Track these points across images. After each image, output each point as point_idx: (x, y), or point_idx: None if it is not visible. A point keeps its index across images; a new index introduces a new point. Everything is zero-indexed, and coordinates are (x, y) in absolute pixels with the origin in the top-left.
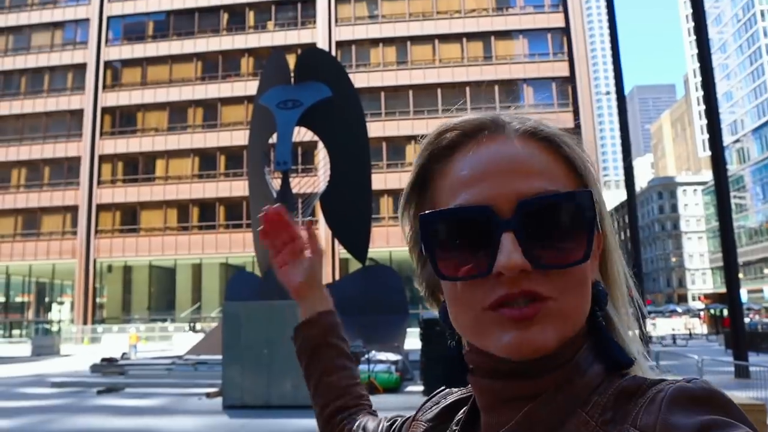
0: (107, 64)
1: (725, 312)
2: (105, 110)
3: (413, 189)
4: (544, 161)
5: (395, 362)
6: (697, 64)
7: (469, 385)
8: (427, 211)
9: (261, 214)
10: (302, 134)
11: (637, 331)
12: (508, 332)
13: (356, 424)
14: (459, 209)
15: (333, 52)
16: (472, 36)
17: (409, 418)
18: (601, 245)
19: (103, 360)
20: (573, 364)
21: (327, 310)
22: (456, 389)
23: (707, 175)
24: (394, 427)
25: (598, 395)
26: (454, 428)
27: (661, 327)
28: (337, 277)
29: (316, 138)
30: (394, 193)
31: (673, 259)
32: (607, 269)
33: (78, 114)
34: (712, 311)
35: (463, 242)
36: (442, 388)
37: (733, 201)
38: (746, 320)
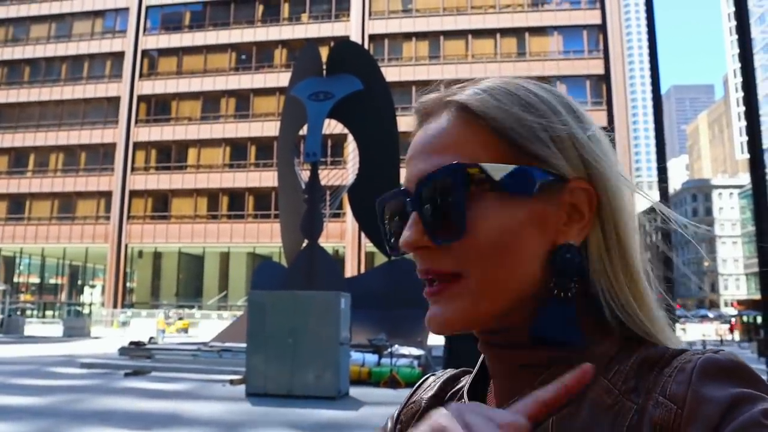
0: (144, 52)
1: (759, 319)
2: (141, 98)
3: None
4: (455, 135)
5: (418, 357)
6: (738, 64)
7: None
8: (379, 197)
9: None
10: (332, 126)
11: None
12: (429, 309)
13: None
14: (389, 194)
15: (366, 46)
16: (506, 32)
17: (407, 404)
18: (594, 201)
19: (131, 343)
20: (588, 334)
21: None
22: (442, 371)
23: (744, 179)
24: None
25: (618, 362)
26: (462, 395)
27: (691, 332)
28: (362, 270)
29: (346, 130)
30: None
31: (706, 264)
32: (610, 234)
33: (115, 101)
34: (745, 318)
35: (396, 222)
36: (430, 374)
37: None
38: None
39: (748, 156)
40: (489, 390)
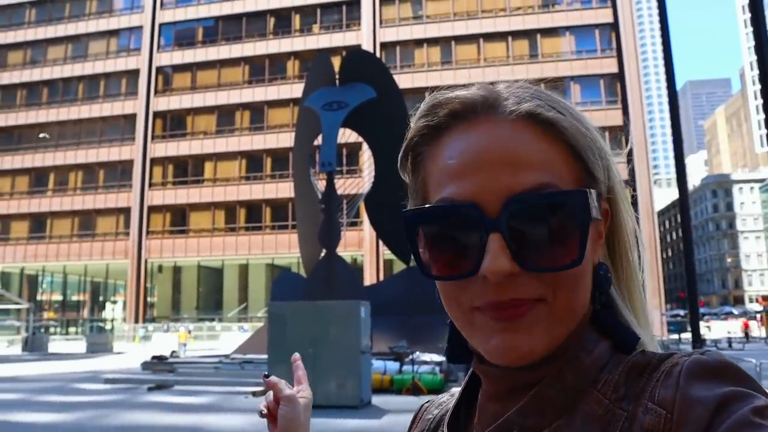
0: (159, 69)
1: None
2: (156, 114)
3: (404, 167)
4: (539, 149)
5: (439, 363)
6: (754, 57)
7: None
8: (409, 208)
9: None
10: (347, 135)
11: (645, 315)
12: (495, 335)
13: None
14: (444, 207)
15: (378, 54)
16: (517, 34)
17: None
18: (609, 221)
19: (154, 358)
20: (579, 342)
21: None
22: (433, 398)
23: (765, 172)
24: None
25: (607, 373)
26: (444, 429)
27: (716, 330)
28: (381, 278)
29: (360, 139)
30: None
31: (729, 260)
32: (615, 248)
33: (131, 118)
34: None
35: (449, 239)
36: (423, 403)
37: None
38: None
39: (767, 149)
40: (474, 414)
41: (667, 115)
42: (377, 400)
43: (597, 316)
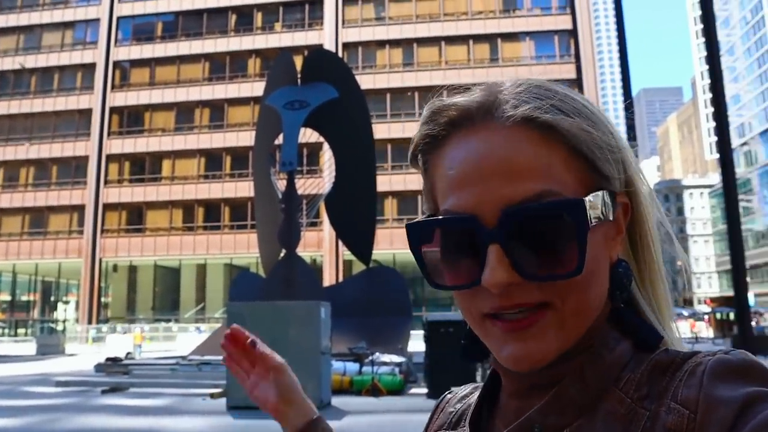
0: (116, 64)
1: (732, 315)
2: (113, 110)
3: (415, 165)
4: (537, 155)
5: (399, 364)
6: (706, 67)
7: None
8: (412, 221)
9: (227, 333)
10: (308, 135)
11: (669, 310)
12: (507, 344)
13: None
14: (443, 220)
15: (340, 54)
16: (478, 38)
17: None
18: (629, 215)
19: (108, 359)
20: (600, 340)
21: (309, 420)
22: (456, 389)
23: (714, 178)
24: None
25: (630, 371)
26: (465, 426)
27: None
28: (340, 279)
29: (321, 139)
30: (398, 195)
31: (679, 263)
32: (637, 243)
33: (86, 113)
34: (718, 315)
35: (451, 251)
36: (445, 393)
37: (740, 204)
38: (752, 324)
39: (717, 156)
40: (496, 411)
41: (622, 120)
42: (337, 401)
43: (618, 313)
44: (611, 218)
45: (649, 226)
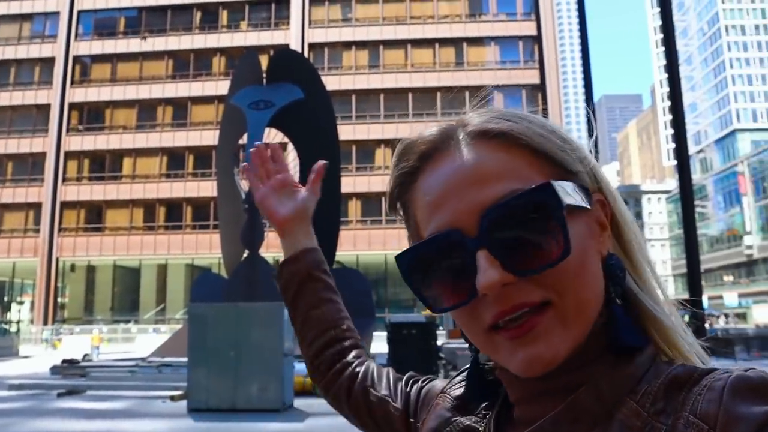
0: (76, 59)
1: (687, 318)
2: (72, 106)
3: (395, 213)
4: (500, 160)
5: None
6: (664, 75)
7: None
8: (398, 252)
9: (252, 149)
10: (273, 135)
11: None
12: (515, 353)
13: (363, 369)
14: (428, 241)
15: (306, 54)
16: (444, 42)
17: (431, 382)
18: (609, 212)
19: (64, 362)
20: (613, 351)
21: (312, 247)
22: (439, 383)
23: (671, 184)
24: (415, 389)
25: (646, 383)
26: (488, 419)
27: None
28: None
29: (286, 139)
30: (362, 197)
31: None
32: (621, 237)
33: (44, 109)
34: None
35: (443, 272)
36: (424, 382)
37: (696, 210)
38: (707, 326)
39: (674, 162)
40: (511, 418)
41: (583, 126)
42: (299, 403)
43: (611, 311)
44: (588, 206)
45: (627, 220)
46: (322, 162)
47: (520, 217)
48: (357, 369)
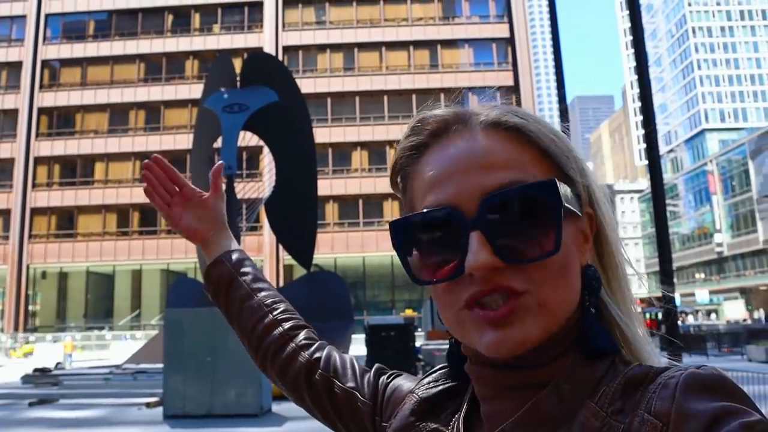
0: (45, 63)
1: (660, 315)
2: (42, 110)
3: (395, 186)
4: (510, 152)
5: None
6: (635, 77)
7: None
8: (392, 219)
9: (143, 171)
10: (248, 139)
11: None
12: (486, 332)
13: (324, 357)
14: (424, 214)
15: (280, 57)
16: (418, 44)
17: (399, 378)
18: (595, 227)
19: (36, 370)
20: (575, 354)
21: (233, 249)
22: (420, 387)
23: (643, 184)
24: (382, 382)
25: (605, 385)
26: (455, 420)
27: None
28: (281, 284)
29: (261, 143)
30: (339, 200)
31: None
32: (603, 252)
33: (12, 114)
34: (648, 315)
35: (433, 245)
36: (443, 365)
37: (667, 208)
38: (679, 323)
39: (646, 162)
40: (472, 415)
41: (557, 128)
42: (278, 407)
43: (585, 318)
44: (579, 213)
45: (612, 236)
46: (219, 163)
47: (520, 207)
48: (316, 355)
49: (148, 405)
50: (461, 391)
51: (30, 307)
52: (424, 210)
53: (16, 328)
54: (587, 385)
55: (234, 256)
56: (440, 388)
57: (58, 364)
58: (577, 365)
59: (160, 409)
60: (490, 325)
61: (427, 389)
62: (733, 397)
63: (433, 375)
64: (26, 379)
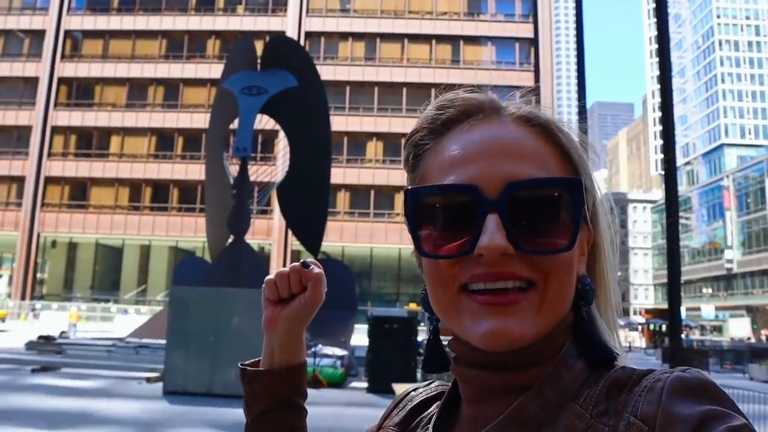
0: (68, 33)
1: (664, 327)
2: (61, 80)
3: (407, 161)
4: (536, 147)
5: (341, 357)
6: (657, 86)
7: (436, 380)
8: (412, 186)
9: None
10: (264, 122)
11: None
12: (483, 321)
13: None
14: (445, 186)
15: (302, 42)
16: (441, 38)
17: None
18: (591, 240)
19: (40, 338)
20: (560, 358)
21: (299, 363)
22: (420, 389)
23: (657, 194)
24: None
25: (588, 387)
26: (426, 426)
27: None
28: None
29: (277, 127)
30: (351, 189)
31: (619, 274)
32: (595, 267)
33: (33, 82)
34: (651, 326)
35: (447, 220)
36: (408, 389)
37: (680, 221)
38: (683, 336)
39: (662, 173)
40: (458, 417)
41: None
42: None
43: (582, 327)
44: (588, 223)
45: (607, 254)
46: (317, 271)
47: (542, 199)
48: None
49: (148, 380)
50: (428, 406)
51: (38, 275)
52: (445, 183)
53: (23, 295)
54: (571, 388)
55: (295, 378)
56: (407, 409)
57: (62, 333)
58: (561, 369)
59: (160, 385)
60: (489, 311)
61: (394, 416)
62: (719, 401)
63: (399, 403)
64: (30, 345)
